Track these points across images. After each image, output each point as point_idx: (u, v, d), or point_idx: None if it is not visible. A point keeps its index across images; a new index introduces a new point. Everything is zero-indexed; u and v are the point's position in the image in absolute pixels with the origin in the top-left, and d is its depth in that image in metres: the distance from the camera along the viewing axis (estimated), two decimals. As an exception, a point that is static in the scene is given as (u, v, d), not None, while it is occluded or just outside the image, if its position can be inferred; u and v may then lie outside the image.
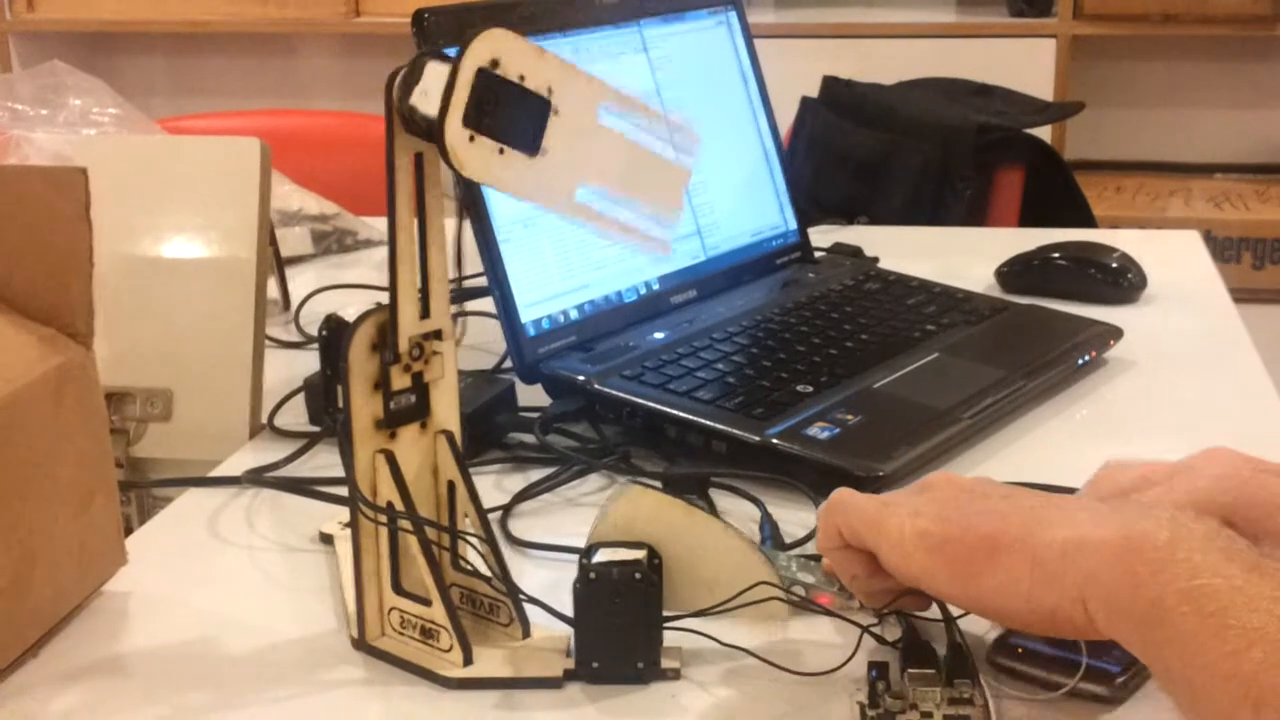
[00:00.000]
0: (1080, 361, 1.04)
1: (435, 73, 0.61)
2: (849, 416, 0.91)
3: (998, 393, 0.96)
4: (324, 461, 0.91)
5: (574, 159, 0.64)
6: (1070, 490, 0.72)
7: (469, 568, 0.70)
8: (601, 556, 0.66)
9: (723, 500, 0.85)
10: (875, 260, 1.26)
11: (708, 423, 0.90)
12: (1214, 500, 0.64)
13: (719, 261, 1.13)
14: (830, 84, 1.95)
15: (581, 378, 0.96)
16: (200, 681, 0.68)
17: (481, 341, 1.11)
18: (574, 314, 1.01)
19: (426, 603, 0.68)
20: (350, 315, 0.69)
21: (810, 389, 0.95)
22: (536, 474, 0.90)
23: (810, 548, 0.77)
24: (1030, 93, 2.06)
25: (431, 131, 0.61)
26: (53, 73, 1.21)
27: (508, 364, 1.02)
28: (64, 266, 0.71)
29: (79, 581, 0.74)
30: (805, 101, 1.93)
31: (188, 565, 0.81)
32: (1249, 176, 2.82)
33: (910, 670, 0.64)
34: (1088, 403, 1.00)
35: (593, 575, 0.65)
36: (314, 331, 1.08)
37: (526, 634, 0.69)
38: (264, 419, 0.98)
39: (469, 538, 0.71)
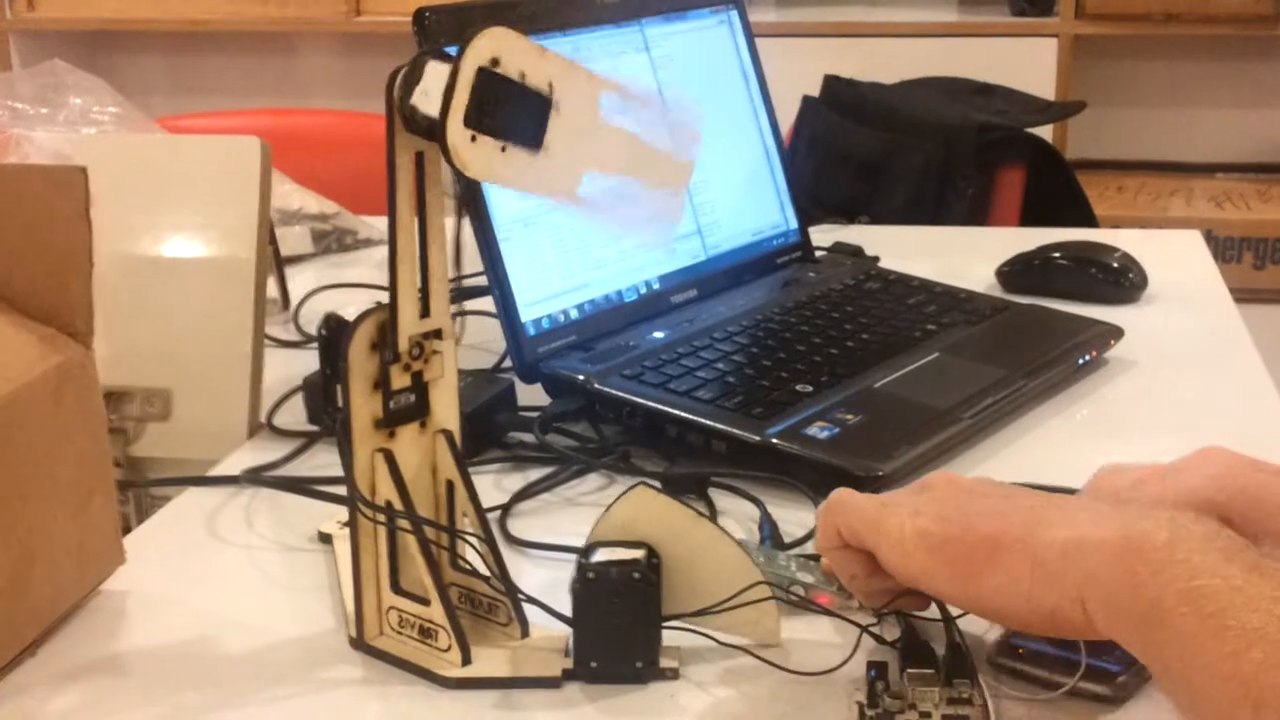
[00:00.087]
0: (1081, 361, 1.04)
1: (436, 72, 0.61)
2: (849, 416, 0.91)
3: (998, 392, 0.96)
4: (323, 461, 0.91)
5: (576, 153, 0.64)
6: (1070, 491, 0.72)
7: (468, 567, 0.70)
8: (600, 556, 0.66)
9: (722, 500, 0.85)
10: (876, 260, 1.26)
11: (707, 422, 0.90)
12: (1210, 499, 0.64)
13: (719, 261, 1.13)
14: (831, 83, 1.95)
15: (581, 377, 0.95)
16: (198, 681, 0.68)
17: (481, 341, 1.11)
18: (574, 313, 1.01)
19: (425, 602, 0.68)
20: (350, 314, 0.69)
21: (810, 389, 0.95)
22: (536, 473, 0.89)
23: (809, 547, 0.77)
24: (1032, 92, 2.06)
25: (433, 131, 0.61)
26: (53, 72, 1.21)
27: (507, 363, 1.02)
28: (63, 266, 0.71)
29: (77, 581, 0.74)
30: (806, 101, 1.93)
31: (186, 564, 0.81)
32: (1250, 176, 2.82)
33: (909, 670, 0.64)
34: (1088, 403, 1.00)
35: (591, 575, 0.65)
36: (313, 331, 1.08)
37: (525, 634, 0.69)
38: (263, 418, 0.98)
39: (468, 537, 0.71)
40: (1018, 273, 1.23)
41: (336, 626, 0.73)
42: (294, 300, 1.24)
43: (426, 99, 0.62)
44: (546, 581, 0.74)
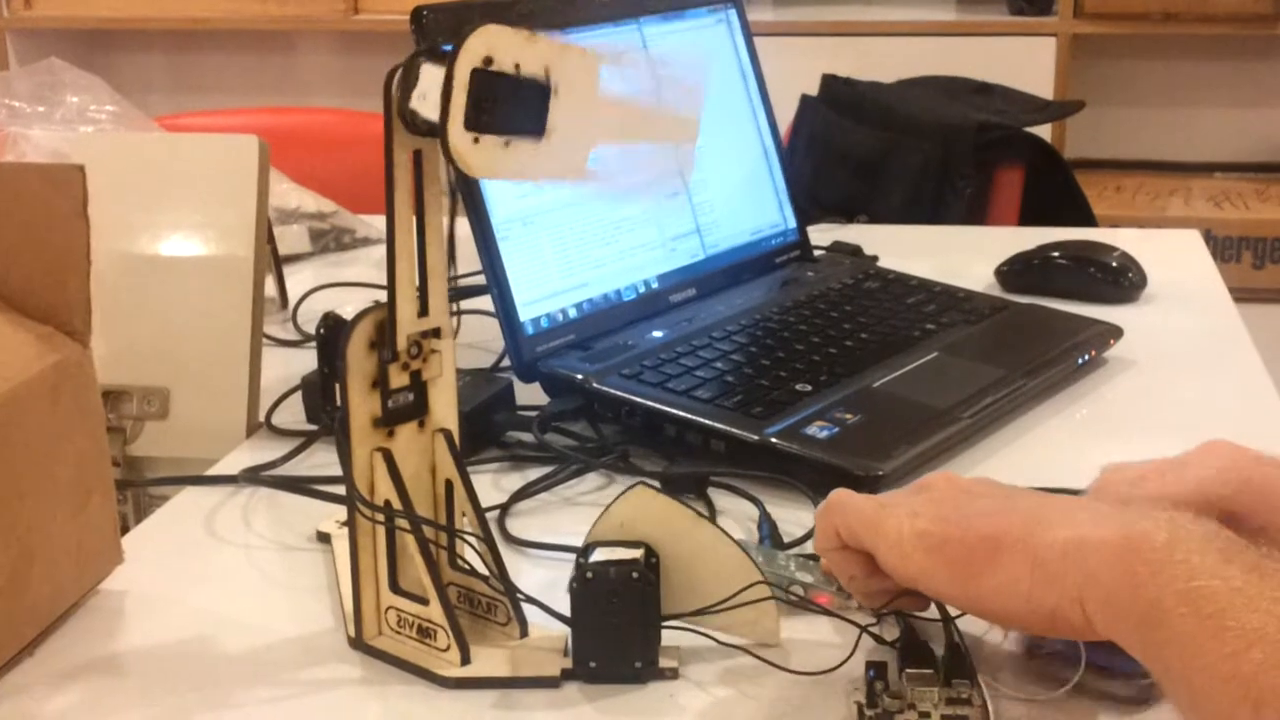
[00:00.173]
0: (1080, 361, 1.04)
1: (431, 76, 0.61)
2: (848, 416, 0.91)
3: (997, 392, 0.96)
4: (321, 460, 0.91)
5: (581, 131, 0.64)
6: (1071, 491, 0.72)
7: (467, 567, 0.69)
8: (598, 556, 0.66)
9: (721, 499, 0.85)
10: (875, 259, 1.26)
11: (706, 421, 0.90)
12: (1216, 492, 0.64)
13: (718, 260, 1.13)
14: (830, 82, 1.95)
15: (580, 376, 0.95)
16: (197, 680, 0.68)
17: (480, 340, 1.11)
18: (572, 312, 1.01)
19: (424, 602, 0.68)
20: (348, 313, 0.69)
21: (809, 388, 0.95)
22: (534, 473, 0.89)
23: (808, 547, 0.77)
24: (1030, 91, 2.06)
25: (434, 133, 0.61)
26: (50, 70, 1.21)
27: (506, 362, 1.02)
28: (61, 264, 0.71)
29: (76, 580, 0.74)
30: (805, 100, 1.93)
31: (184, 564, 0.81)
32: (1249, 175, 2.82)
33: (908, 670, 0.64)
34: (1087, 402, 1.00)
35: (590, 575, 0.65)
36: (312, 330, 1.08)
37: (524, 633, 0.69)
38: (261, 417, 0.98)
39: (467, 537, 0.70)
40: (1017, 272, 1.23)
41: (335, 626, 0.73)
42: (292, 299, 1.24)
43: (425, 103, 0.61)
44: (545, 581, 0.74)
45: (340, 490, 0.75)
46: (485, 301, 1.03)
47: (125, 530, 0.83)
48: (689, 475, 0.87)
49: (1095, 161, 2.80)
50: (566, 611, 0.66)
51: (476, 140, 0.61)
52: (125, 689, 0.68)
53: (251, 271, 0.97)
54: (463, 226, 0.99)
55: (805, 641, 0.69)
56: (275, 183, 1.37)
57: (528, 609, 0.69)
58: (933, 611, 0.67)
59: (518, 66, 0.61)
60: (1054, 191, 1.83)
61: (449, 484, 0.70)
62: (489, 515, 0.72)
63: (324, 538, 0.81)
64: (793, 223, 1.22)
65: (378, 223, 1.44)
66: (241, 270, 0.97)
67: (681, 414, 0.91)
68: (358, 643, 0.70)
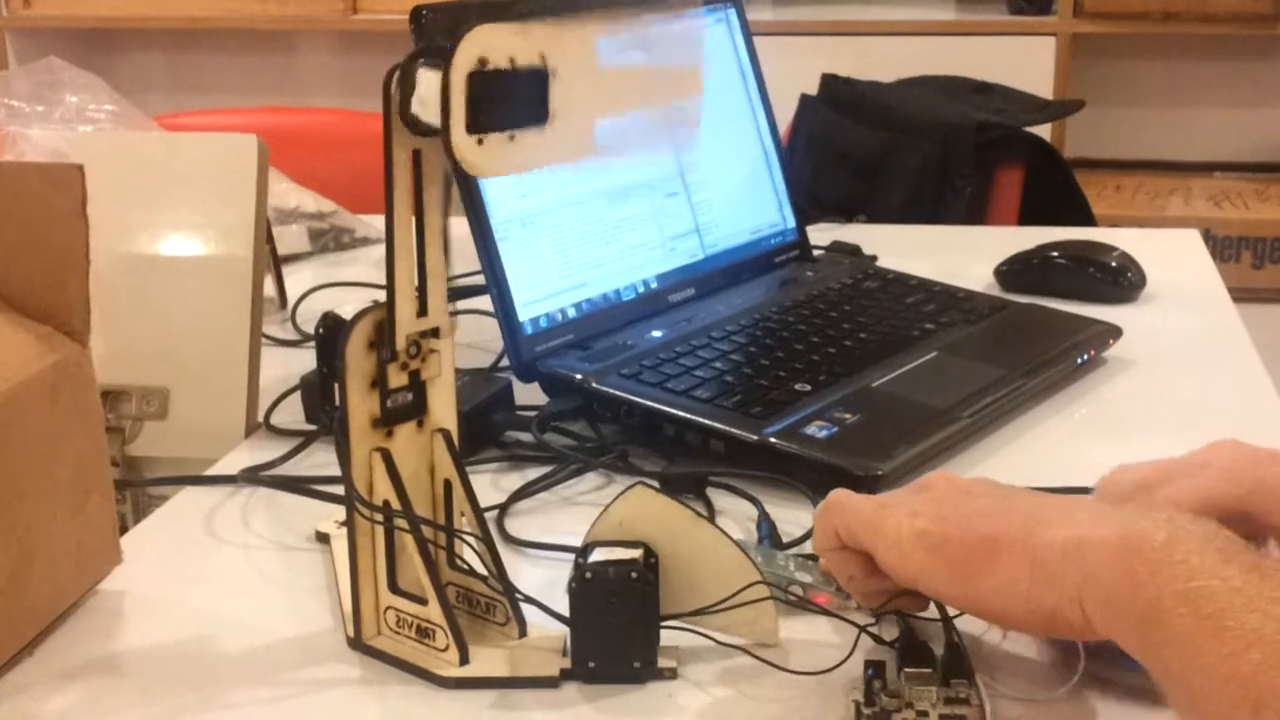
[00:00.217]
0: (1079, 360, 1.04)
1: (428, 81, 0.61)
2: (847, 415, 0.91)
3: (997, 392, 0.96)
4: (320, 460, 0.91)
5: (585, 108, 0.63)
6: (1070, 490, 0.72)
7: (465, 567, 0.69)
8: (598, 556, 0.66)
9: (720, 499, 0.85)
10: (874, 259, 1.26)
11: (706, 421, 0.90)
12: (1226, 493, 0.64)
13: (717, 260, 1.13)
14: (829, 82, 1.95)
15: (579, 376, 0.95)
16: (196, 680, 0.68)
17: (479, 340, 1.11)
18: (572, 312, 1.01)
19: (423, 602, 0.68)
20: (347, 313, 0.69)
21: (808, 388, 0.95)
22: (534, 473, 0.89)
23: (808, 547, 0.77)
24: (1030, 91, 2.06)
25: (436, 133, 0.61)
26: (49, 69, 1.21)
27: (505, 362, 1.02)
28: (60, 264, 0.71)
29: (75, 580, 0.74)
30: (804, 99, 1.93)
31: (183, 564, 0.81)
32: (1249, 175, 2.82)
33: (907, 670, 0.64)
34: (1087, 402, 1.00)
35: (589, 575, 0.65)
36: (311, 329, 1.08)
37: (523, 633, 0.69)
38: (260, 417, 0.98)
39: (465, 536, 0.70)
40: (1016, 272, 1.23)
41: (334, 626, 0.73)
42: (291, 299, 1.24)
43: (424, 108, 0.61)
44: (544, 581, 0.74)
45: (339, 490, 0.75)
46: (484, 301, 1.03)
47: (124, 530, 0.83)
48: (688, 475, 0.86)
49: (1095, 161, 2.80)
50: (565, 611, 0.66)
51: (480, 142, 0.61)
52: (125, 689, 0.68)
53: (250, 271, 0.97)
54: (460, 226, 0.99)
55: (804, 641, 0.69)
56: (274, 182, 1.37)
57: (526, 609, 0.69)
58: (932, 611, 0.67)
59: (513, 61, 0.61)
60: (1053, 191, 1.83)
61: (448, 484, 0.70)
62: (488, 515, 0.72)
63: (323, 538, 0.81)
64: (792, 222, 1.22)
65: (377, 222, 1.43)
66: (240, 270, 0.97)
67: (680, 414, 0.91)
68: (356, 643, 0.70)
